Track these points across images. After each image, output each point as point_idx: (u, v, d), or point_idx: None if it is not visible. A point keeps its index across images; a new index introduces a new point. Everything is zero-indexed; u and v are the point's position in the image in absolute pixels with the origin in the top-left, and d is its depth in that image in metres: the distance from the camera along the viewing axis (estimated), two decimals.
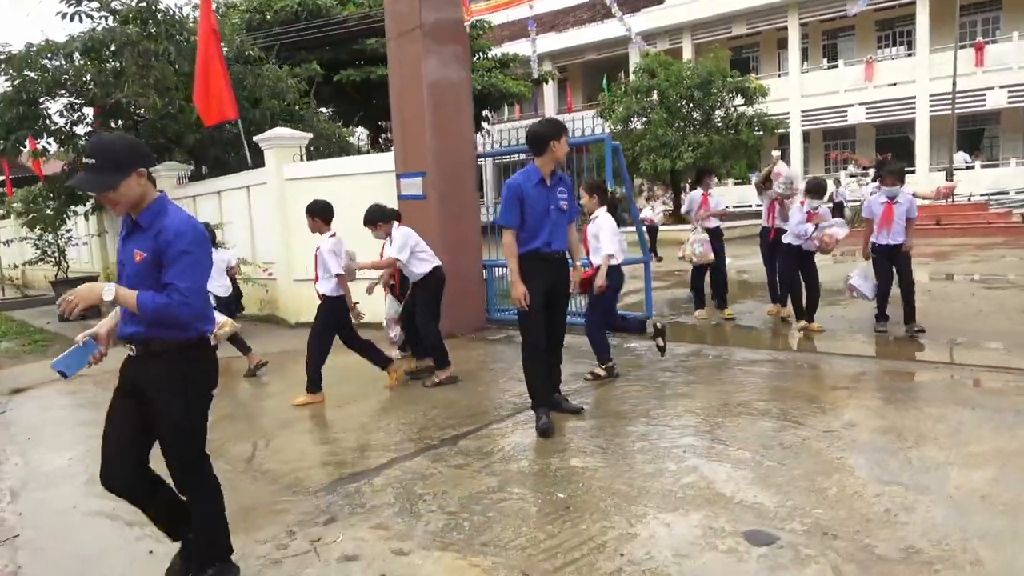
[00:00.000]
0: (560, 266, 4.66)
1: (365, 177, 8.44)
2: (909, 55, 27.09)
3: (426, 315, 5.97)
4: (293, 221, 8.77)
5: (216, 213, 10.28)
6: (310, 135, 9.67)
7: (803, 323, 7.14)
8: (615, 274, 5.55)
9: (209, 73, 9.22)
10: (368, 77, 19.68)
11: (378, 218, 6.08)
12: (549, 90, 33.53)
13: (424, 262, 5.99)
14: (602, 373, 5.74)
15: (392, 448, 4.50)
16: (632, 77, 23.45)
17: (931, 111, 25.44)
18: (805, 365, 5.97)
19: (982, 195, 22.42)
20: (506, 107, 30.66)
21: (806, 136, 28.26)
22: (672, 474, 3.75)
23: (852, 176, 20.98)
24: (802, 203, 7.01)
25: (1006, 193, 23.28)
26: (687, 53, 29.34)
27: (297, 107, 11.79)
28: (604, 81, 32.24)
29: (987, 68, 23.94)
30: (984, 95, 24.30)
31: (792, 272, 7.20)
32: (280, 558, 3.21)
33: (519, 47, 27.83)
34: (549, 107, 34.51)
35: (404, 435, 4.76)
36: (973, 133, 27.09)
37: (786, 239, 7.14)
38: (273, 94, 10.99)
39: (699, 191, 8.12)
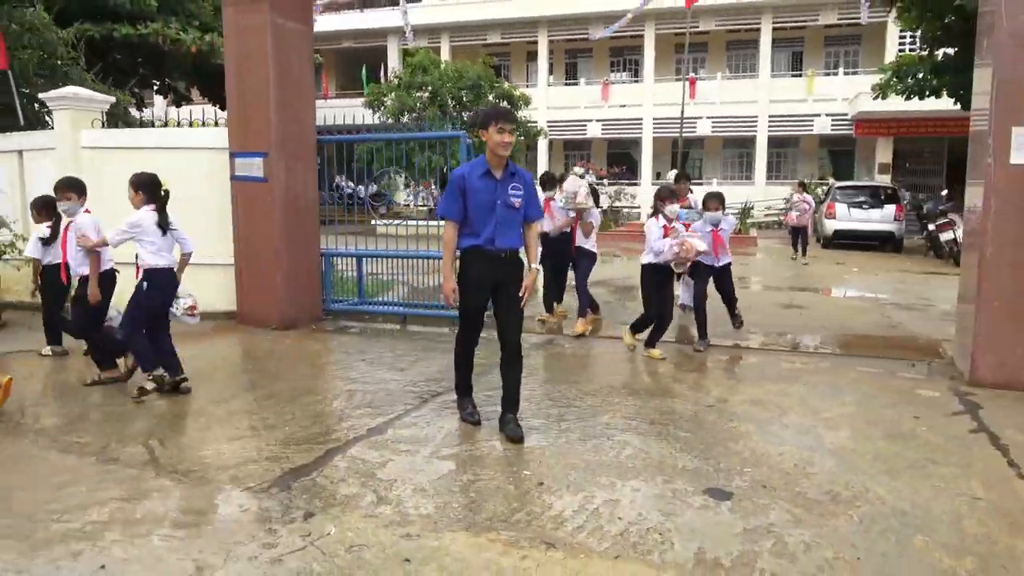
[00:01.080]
0: (507, 264, 4.36)
1: (191, 152, 7.71)
2: (636, 82, 30.82)
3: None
4: (99, 195, 7.71)
5: None
6: (113, 99, 8.50)
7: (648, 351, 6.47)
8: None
9: None
10: (111, 34, 17.47)
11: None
12: None
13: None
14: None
15: (319, 439, 4.37)
16: (401, 70, 23.64)
17: (654, 133, 29.24)
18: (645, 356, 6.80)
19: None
20: None
21: (550, 145, 30.74)
22: (611, 448, 4.21)
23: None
24: (656, 216, 6.34)
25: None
26: (444, 54, 30.23)
27: (60, 62, 10.14)
28: (363, 71, 31.87)
29: (698, 101, 28.10)
30: (695, 123, 28.50)
31: (652, 294, 6.37)
32: (278, 556, 3.07)
33: None
34: None
35: (322, 426, 4.62)
36: (683, 154, 31.64)
37: (644, 259, 6.37)
38: (39, 44, 9.34)
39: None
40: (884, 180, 24.25)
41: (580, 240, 7.60)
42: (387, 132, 8.56)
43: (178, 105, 22.64)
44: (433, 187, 23.65)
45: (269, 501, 3.55)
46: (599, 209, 7.86)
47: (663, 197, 6.33)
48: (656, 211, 6.35)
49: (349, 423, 4.69)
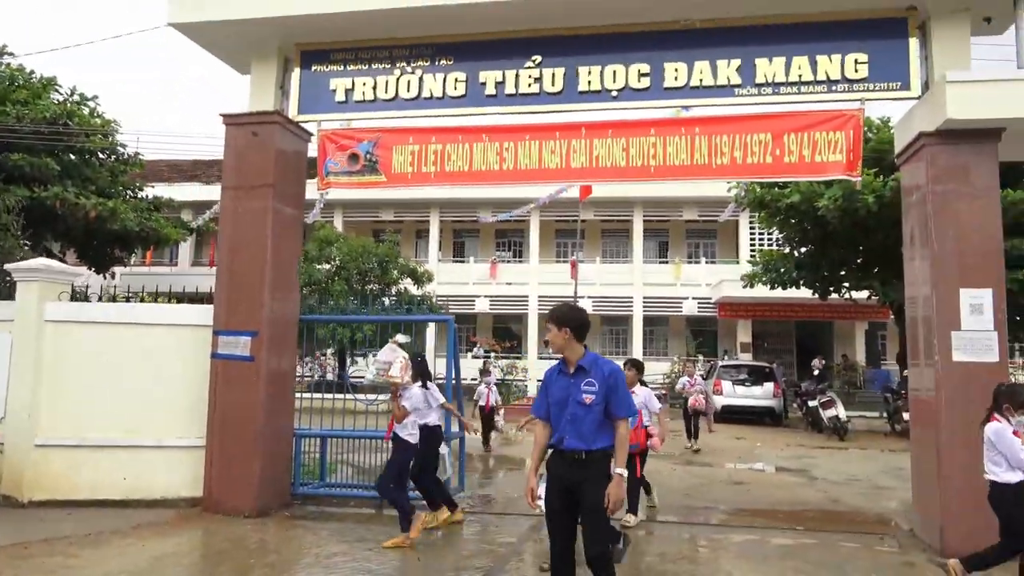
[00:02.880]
0: (579, 466, 4.12)
1: (165, 328, 7.50)
2: (520, 262, 32.79)
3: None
4: (57, 371, 7.24)
5: None
6: (83, 270, 8.18)
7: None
8: None
9: None
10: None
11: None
12: (185, 243, 31.72)
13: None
14: None
15: None
16: (308, 244, 23.91)
17: (539, 309, 30.82)
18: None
19: None
20: (140, 250, 28.01)
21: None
22: None
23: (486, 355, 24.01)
24: (1005, 422, 5.05)
25: None
26: (337, 227, 30.95)
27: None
28: None
29: (580, 282, 30.13)
30: (577, 302, 30.34)
31: None
32: None
33: (168, 191, 26.22)
34: (184, 259, 32.54)
35: None
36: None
37: (1009, 477, 5.00)
38: None
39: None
40: (747, 358, 26.61)
41: (396, 426, 6.36)
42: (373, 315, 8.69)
43: None
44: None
45: None
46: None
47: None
48: (1000, 414, 5.09)
49: None
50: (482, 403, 13.10)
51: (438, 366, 9.57)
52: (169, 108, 69.17)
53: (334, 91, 7.78)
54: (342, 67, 7.80)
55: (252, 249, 7.44)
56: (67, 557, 5.80)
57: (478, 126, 7.59)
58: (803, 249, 19.19)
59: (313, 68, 7.85)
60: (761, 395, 18.84)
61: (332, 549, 6.11)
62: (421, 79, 7.59)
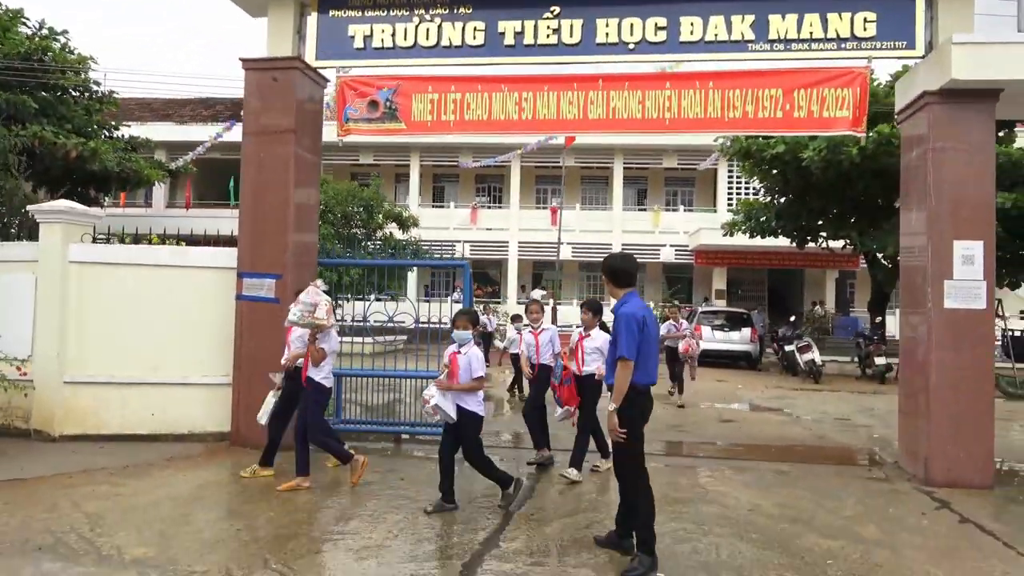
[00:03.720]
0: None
1: (189, 271, 7.67)
2: (501, 207, 32.91)
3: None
4: (82, 311, 7.42)
5: None
6: (103, 212, 8.24)
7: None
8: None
9: None
10: None
11: None
12: (162, 185, 31.19)
13: None
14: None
15: (445, 555, 4.62)
16: None
17: (519, 255, 31.16)
18: None
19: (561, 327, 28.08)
20: (114, 191, 27.54)
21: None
22: None
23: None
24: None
25: (569, 326, 29.52)
26: None
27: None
28: (231, 183, 31.35)
29: (560, 228, 30.47)
30: (556, 248, 30.72)
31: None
32: None
33: (140, 131, 25.66)
34: (158, 200, 32.04)
35: (436, 544, 4.85)
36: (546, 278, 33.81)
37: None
38: None
39: None
40: (720, 305, 27.36)
41: (310, 369, 6.15)
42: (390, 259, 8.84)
43: None
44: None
45: None
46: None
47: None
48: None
49: (459, 539, 4.95)
50: (514, 350, 11.99)
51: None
52: (145, 48, 66.72)
53: (352, 37, 7.84)
54: (360, 13, 7.84)
55: (275, 194, 7.59)
56: (113, 486, 6.09)
57: (497, 76, 7.74)
58: (783, 199, 19.70)
59: (331, 13, 7.88)
60: (739, 340, 19.57)
61: (365, 478, 6.47)
62: (440, 27, 7.68)
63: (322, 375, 6.20)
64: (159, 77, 54.56)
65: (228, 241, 8.04)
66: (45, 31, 18.65)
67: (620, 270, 4.79)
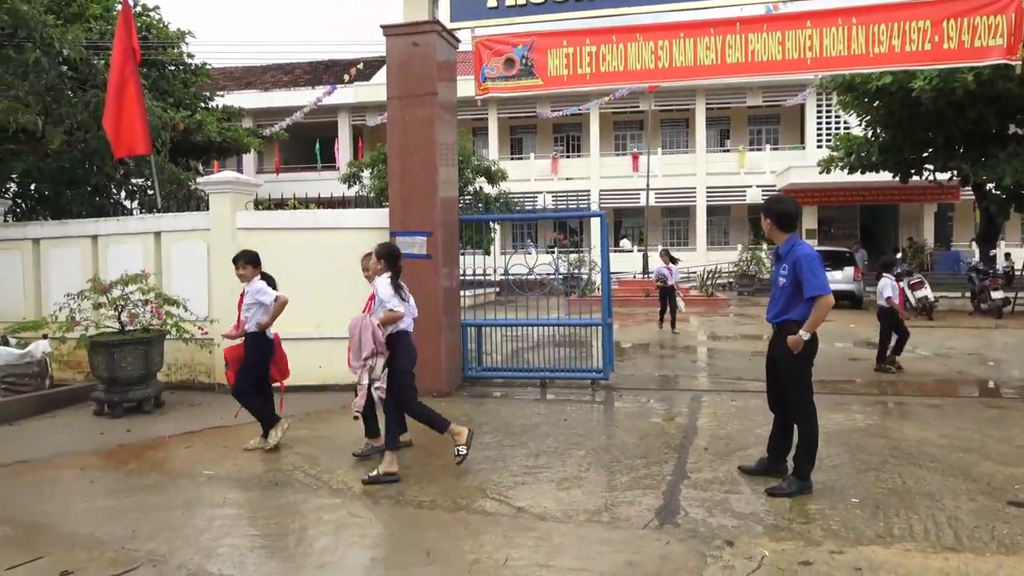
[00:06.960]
0: (774, 334, 4.96)
1: (345, 232, 8.15)
2: (580, 156, 32.79)
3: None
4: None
5: (86, 263, 8.52)
6: (260, 182, 8.82)
7: None
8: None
9: (123, 98, 7.95)
10: None
11: None
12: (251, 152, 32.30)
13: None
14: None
15: (645, 484, 4.96)
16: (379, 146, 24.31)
17: (601, 203, 31.08)
18: None
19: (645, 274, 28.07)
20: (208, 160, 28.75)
21: None
22: None
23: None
24: None
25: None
26: None
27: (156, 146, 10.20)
28: (317, 146, 32.20)
29: (641, 174, 30.22)
30: (638, 195, 30.53)
31: None
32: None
33: (235, 99, 26.55)
34: (248, 167, 33.15)
35: (632, 475, 5.20)
36: (625, 225, 33.68)
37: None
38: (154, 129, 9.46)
39: None
40: (812, 244, 26.79)
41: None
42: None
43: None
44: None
45: (678, 535, 4.13)
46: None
47: None
48: None
49: (646, 471, 5.30)
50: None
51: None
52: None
53: None
54: None
55: (422, 155, 7.94)
56: (311, 430, 6.72)
57: (631, 25, 7.81)
58: (884, 133, 19.05)
59: None
60: (842, 279, 19.20)
61: (534, 420, 6.88)
62: None
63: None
64: (236, 46, 55.68)
65: (338, 203, 8.43)
66: (139, 8, 19.34)
67: (786, 213, 4.98)
